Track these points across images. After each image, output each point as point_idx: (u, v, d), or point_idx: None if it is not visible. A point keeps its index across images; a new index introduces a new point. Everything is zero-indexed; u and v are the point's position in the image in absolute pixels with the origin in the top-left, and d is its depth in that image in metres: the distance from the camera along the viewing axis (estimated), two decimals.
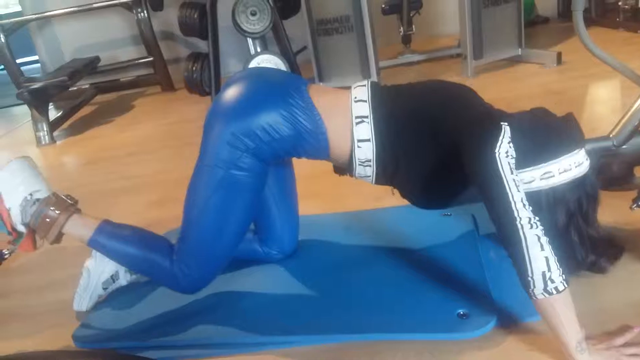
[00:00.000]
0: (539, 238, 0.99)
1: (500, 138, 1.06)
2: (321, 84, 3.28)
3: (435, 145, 1.18)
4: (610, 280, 1.22)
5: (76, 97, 4.14)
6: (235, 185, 1.22)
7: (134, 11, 4.16)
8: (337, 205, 1.81)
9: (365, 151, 1.21)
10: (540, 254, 0.98)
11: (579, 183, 1.14)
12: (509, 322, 1.13)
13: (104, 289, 1.42)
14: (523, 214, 1.00)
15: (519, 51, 3.35)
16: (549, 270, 0.97)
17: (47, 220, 1.30)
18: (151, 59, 4.30)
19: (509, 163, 1.04)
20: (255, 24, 3.05)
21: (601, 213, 1.44)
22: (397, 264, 1.38)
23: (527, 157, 1.09)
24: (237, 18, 3.03)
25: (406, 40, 3.83)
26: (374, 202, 1.73)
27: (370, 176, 1.26)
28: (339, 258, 1.48)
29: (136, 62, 4.41)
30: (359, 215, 1.70)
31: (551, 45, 3.53)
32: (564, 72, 3.02)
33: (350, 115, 1.22)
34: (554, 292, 0.97)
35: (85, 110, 4.10)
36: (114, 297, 1.45)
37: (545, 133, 1.15)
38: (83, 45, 4.58)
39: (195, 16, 3.27)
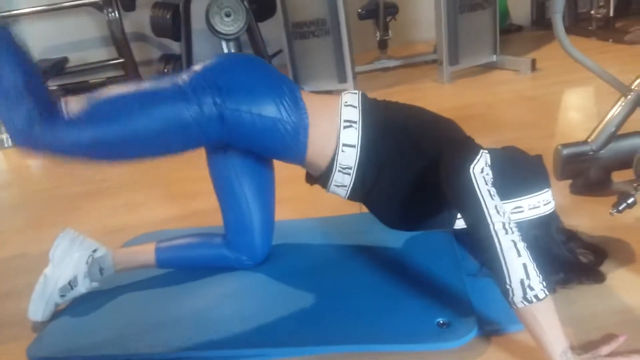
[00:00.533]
0: (515, 244, 0.96)
1: (477, 158, 1.07)
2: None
3: (418, 161, 1.18)
4: (594, 286, 1.19)
5: None
6: (175, 107, 1.12)
7: (105, 11, 4.04)
8: (312, 210, 1.75)
9: (348, 157, 1.18)
10: (517, 260, 0.95)
11: (545, 221, 1.19)
12: (490, 331, 1.10)
13: (62, 296, 1.34)
14: (496, 219, 0.98)
15: (494, 58, 3.37)
16: (528, 277, 0.94)
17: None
18: (122, 60, 4.19)
19: (484, 178, 1.04)
20: (230, 25, 2.99)
21: (581, 219, 1.44)
22: (375, 271, 1.33)
23: (499, 190, 1.07)
24: (211, 19, 2.96)
25: (382, 45, 3.82)
26: (350, 207, 1.68)
27: (346, 186, 1.22)
28: (313, 265, 1.42)
29: (106, 63, 4.30)
30: (335, 220, 1.64)
31: (525, 53, 3.56)
32: (538, 78, 3.04)
33: (338, 119, 1.19)
34: (534, 300, 0.93)
35: None
36: (73, 307, 1.37)
37: (518, 169, 1.20)
38: (51, 46, 4.43)
39: (168, 16, 3.20)
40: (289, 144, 1.18)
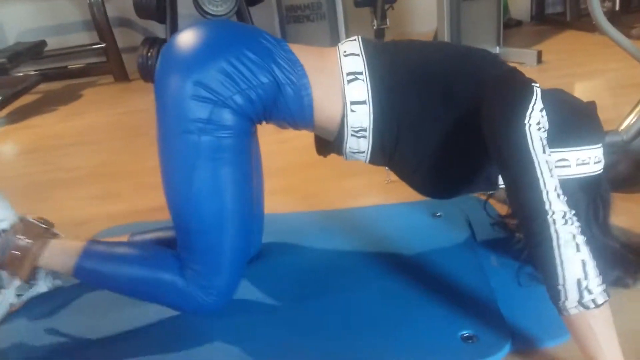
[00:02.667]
0: (574, 236, 0.79)
1: (532, 104, 0.86)
2: None
3: (448, 109, 0.97)
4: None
5: (18, 83, 3.78)
6: (217, 149, 0.95)
7: None
8: (310, 203, 1.57)
9: (361, 116, 0.98)
10: (575, 256, 0.78)
11: (593, 183, 0.99)
12: (525, 346, 0.92)
13: (18, 295, 1.15)
14: (556, 206, 0.80)
15: (497, 49, 3.22)
16: (586, 277, 0.77)
17: (17, 253, 1.05)
18: (103, 45, 3.98)
19: (540, 138, 0.85)
20: (219, 5, 2.81)
21: (614, 217, 1.27)
22: (384, 274, 1.15)
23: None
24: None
25: (379, 34, 3.64)
26: (353, 199, 1.50)
27: (364, 152, 1.03)
28: (313, 266, 1.22)
29: (87, 48, 4.08)
30: (337, 214, 1.45)
31: (528, 46, 3.42)
32: (546, 70, 2.91)
33: (339, 73, 0.99)
34: (592, 305, 0.77)
35: (28, 99, 3.75)
36: (30, 308, 1.17)
37: (569, 115, 0.99)
38: (29, 29, 4.22)
39: None
40: (298, 105, 0.99)
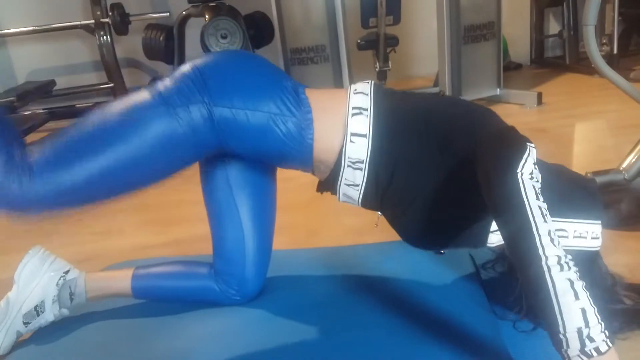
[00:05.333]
0: (572, 283, 0.77)
1: (525, 157, 0.86)
2: None
3: (444, 156, 0.98)
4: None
5: (26, 121, 3.83)
6: (161, 122, 0.94)
7: (96, 35, 3.93)
8: (311, 240, 1.57)
9: (359, 148, 1.00)
10: (574, 304, 0.76)
11: (588, 260, 0.98)
12: None
13: (26, 323, 1.15)
14: (550, 251, 0.78)
15: (498, 91, 3.27)
16: (587, 325, 0.75)
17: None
18: (111, 85, 4.05)
19: (533, 187, 0.83)
20: (226, 47, 2.87)
21: (618, 256, 1.28)
22: (389, 312, 1.13)
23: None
24: (207, 40, 2.84)
25: (382, 76, 3.71)
26: (354, 236, 1.50)
27: (358, 185, 1.03)
28: (314, 302, 1.21)
29: (95, 87, 4.15)
30: (338, 251, 1.45)
31: (528, 88, 3.47)
32: (546, 112, 2.94)
33: (345, 108, 1.02)
34: (594, 354, 0.75)
35: (35, 136, 3.75)
36: (38, 337, 1.16)
37: (570, 187, 1.00)
38: (39, 69, 4.31)
39: (161, 39, 3.08)
40: (291, 145, 1.01)
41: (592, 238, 0.99)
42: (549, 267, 0.77)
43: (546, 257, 0.78)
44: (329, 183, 1.08)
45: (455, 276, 1.24)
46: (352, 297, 1.21)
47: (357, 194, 1.05)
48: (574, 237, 0.98)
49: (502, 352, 0.96)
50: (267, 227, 1.21)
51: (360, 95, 1.04)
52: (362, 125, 1.00)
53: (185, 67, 1.01)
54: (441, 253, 1.34)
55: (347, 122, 1.01)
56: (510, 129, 0.99)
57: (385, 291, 1.22)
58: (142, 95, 0.98)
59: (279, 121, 0.99)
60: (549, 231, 0.80)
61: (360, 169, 1.01)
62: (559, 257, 0.78)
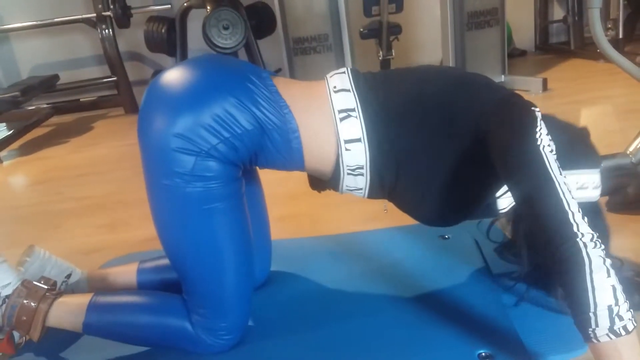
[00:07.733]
0: (604, 261, 0.76)
1: (538, 127, 0.85)
2: None
3: (450, 142, 0.95)
4: None
5: (31, 116, 3.84)
6: (207, 200, 0.92)
7: (98, 28, 3.92)
8: (318, 228, 1.56)
9: (356, 154, 0.95)
10: (606, 282, 0.75)
11: (591, 211, 0.93)
12: None
13: None
14: (584, 228, 0.77)
15: (502, 78, 3.24)
16: (617, 303, 0.74)
17: (24, 318, 1.03)
18: (114, 79, 4.05)
19: (556, 161, 0.82)
20: (228, 38, 2.86)
21: (624, 240, 1.27)
22: (397, 297, 1.13)
23: None
24: (208, 31, 2.83)
25: (385, 65, 3.68)
26: (362, 223, 1.50)
27: (362, 189, 1.00)
28: (322, 291, 1.21)
29: (98, 81, 4.15)
30: (346, 238, 1.44)
31: (533, 74, 3.45)
32: (552, 98, 2.92)
33: (330, 111, 0.96)
34: (623, 332, 0.74)
35: (40, 131, 3.80)
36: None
37: (566, 139, 0.95)
38: (42, 63, 4.31)
39: (163, 31, 3.08)
40: (286, 149, 0.96)
41: (594, 188, 0.97)
42: (585, 244, 0.76)
43: (582, 234, 0.77)
44: (329, 185, 1.04)
45: (459, 258, 1.24)
46: (358, 283, 1.21)
47: (361, 193, 1.02)
48: (577, 189, 0.94)
49: (510, 335, 0.96)
50: (262, 221, 1.20)
51: (342, 94, 0.97)
52: (354, 128, 0.94)
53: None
54: (446, 237, 1.34)
55: (337, 129, 0.95)
56: (513, 94, 0.97)
57: (391, 275, 1.22)
58: (166, 200, 0.96)
59: (268, 136, 0.95)
60: (579, 208, 0.79)
61: (362, 175, 0.97)
62: (592, 235, 0.77)
